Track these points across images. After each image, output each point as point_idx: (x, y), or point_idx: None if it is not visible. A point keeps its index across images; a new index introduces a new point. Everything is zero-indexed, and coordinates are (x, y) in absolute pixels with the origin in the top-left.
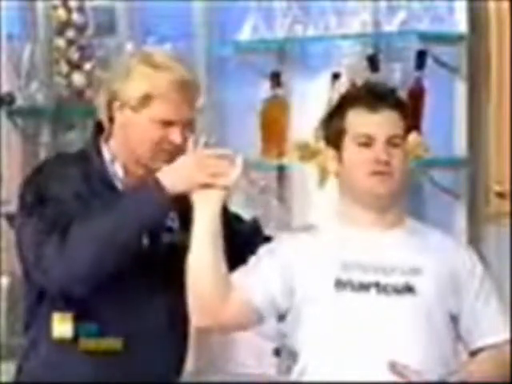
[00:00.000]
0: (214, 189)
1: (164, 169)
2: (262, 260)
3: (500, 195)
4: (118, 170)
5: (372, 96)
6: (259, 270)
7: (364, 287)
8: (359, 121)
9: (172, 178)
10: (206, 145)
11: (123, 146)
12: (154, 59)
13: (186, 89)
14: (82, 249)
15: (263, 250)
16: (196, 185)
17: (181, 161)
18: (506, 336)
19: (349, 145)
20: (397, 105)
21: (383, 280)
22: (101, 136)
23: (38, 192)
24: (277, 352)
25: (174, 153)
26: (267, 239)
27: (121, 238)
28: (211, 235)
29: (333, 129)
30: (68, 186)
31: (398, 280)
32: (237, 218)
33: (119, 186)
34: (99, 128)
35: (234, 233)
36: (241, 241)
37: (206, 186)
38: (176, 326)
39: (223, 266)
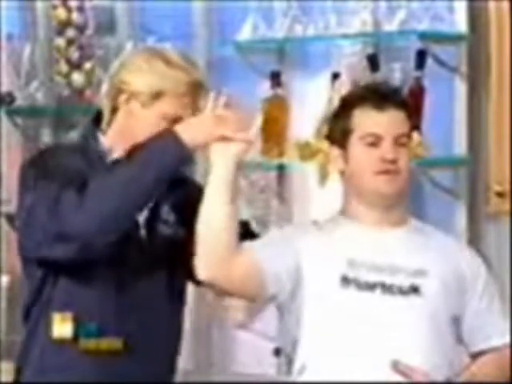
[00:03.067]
0: (233, 142)
1: (183, 123)
2: (273, 239)
3: (500, 195)
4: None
5: (378, 95)
6: (269, 245)
7: (369, 286)
8: (366, 120)
9: (191, 131)
10: (227, 104)
11: (123, 138)
12: (168, 57)
13: (198, 90)
14: (101, 198)
15: (275, 232)
16: (215, 138)
17: (200, 116)
18: (509, 339)
19: (355, 144)
20: (402, 104)
21: (388, 280)
22: (98, 128)
23: (46, 164)
24: (277, 352)
25: None
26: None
27: (139, 189)
28: (227, 186)
29: (339, 128)
30: (73, 163)
31: (404, 281)
32: None
33: None
34: (97, 120)
35: None
36: None
37: (225, 139)
38: (172, 322)
39: (236, 222)
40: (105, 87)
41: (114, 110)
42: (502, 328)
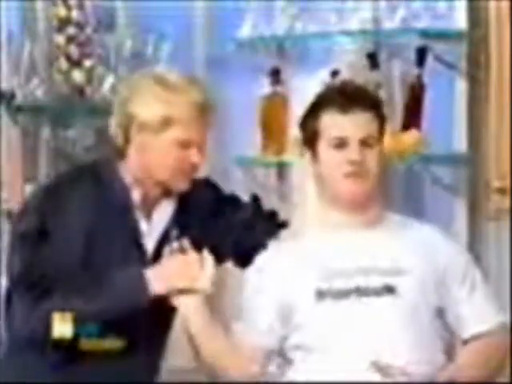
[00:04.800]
0: (192, 293)
1: (155, 270)
2: (255, 306)
3: (500, 191)
4: (135, 196)
5: (344, 97)
6: (255, 317)
7: (344, 294)
8: (332, 123)
9: (156, 282)
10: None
11: (142, 169)
12: (168, 81)
13: (204, 111)
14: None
15: (250, 291)
16: (175, 289)
17: (162, 265)
18: (493, 324)
19: (324, 147)
20: (370, 104)
21: (363, 283)
22: (118, 158)
23: (44, 223)
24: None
25: (191, 171)
26: (270, 216)
27: (95, 319)
28: (204, 329)
29: (308, 131)
30: (78, 220)
31: (379, 281)
32: (233, 204)
33: (134, 209)
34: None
35: (233, 222)
36: (242, 227)
37: (183, 290)
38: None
39: (223, 339)
40: (114, 117)
41: (127, 141)
42: (486, 314)
